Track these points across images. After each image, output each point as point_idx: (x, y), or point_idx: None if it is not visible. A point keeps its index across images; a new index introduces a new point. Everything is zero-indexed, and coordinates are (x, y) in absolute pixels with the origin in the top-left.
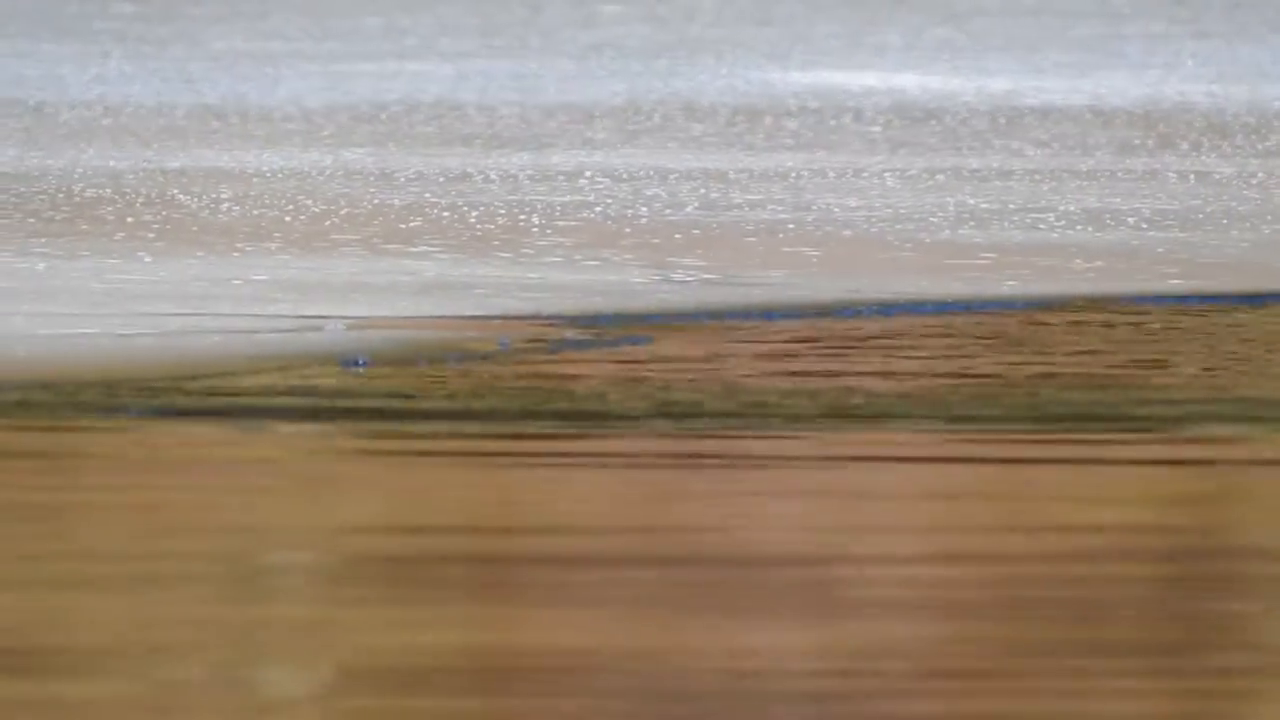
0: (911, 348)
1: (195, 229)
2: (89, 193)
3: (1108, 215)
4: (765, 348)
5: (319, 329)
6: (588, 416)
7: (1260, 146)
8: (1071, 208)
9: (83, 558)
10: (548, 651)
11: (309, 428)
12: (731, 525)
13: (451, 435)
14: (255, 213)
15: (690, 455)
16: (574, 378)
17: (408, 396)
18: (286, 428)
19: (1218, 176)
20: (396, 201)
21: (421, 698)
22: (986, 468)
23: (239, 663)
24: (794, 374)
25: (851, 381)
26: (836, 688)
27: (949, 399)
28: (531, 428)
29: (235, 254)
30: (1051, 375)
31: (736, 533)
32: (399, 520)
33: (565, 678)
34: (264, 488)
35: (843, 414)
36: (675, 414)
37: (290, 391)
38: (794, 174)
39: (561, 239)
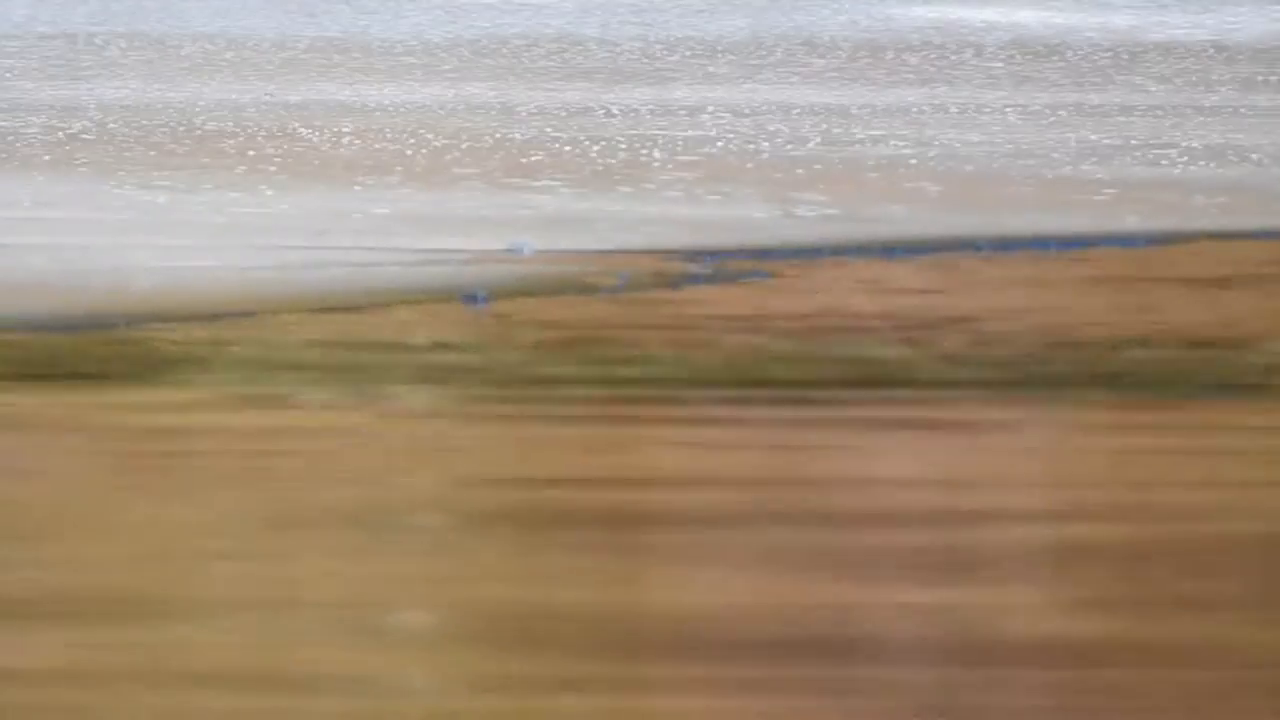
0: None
1: (316, 163)
2: (210, 126)
3: (1230, 151)
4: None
5: (443, 261)
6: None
7: None
8: (1194, 144)
9: (209, 521)
10: (677, 613)
11: (433, 391)
12: (864, 482)
13: (581, 400)
14: (376, 147)
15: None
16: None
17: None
18: (406, 391)
19: None
20: (518, 136)
21: (548, 653)
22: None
23: (365, 611)
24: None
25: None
26: (961, 643)
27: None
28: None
29: (356, 188)
30: None
31: (870, 490)
32: (528, 475)
33: (695, 639)
34: (389, 445)
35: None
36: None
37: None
38: (915, 109)
39: (683, 174)
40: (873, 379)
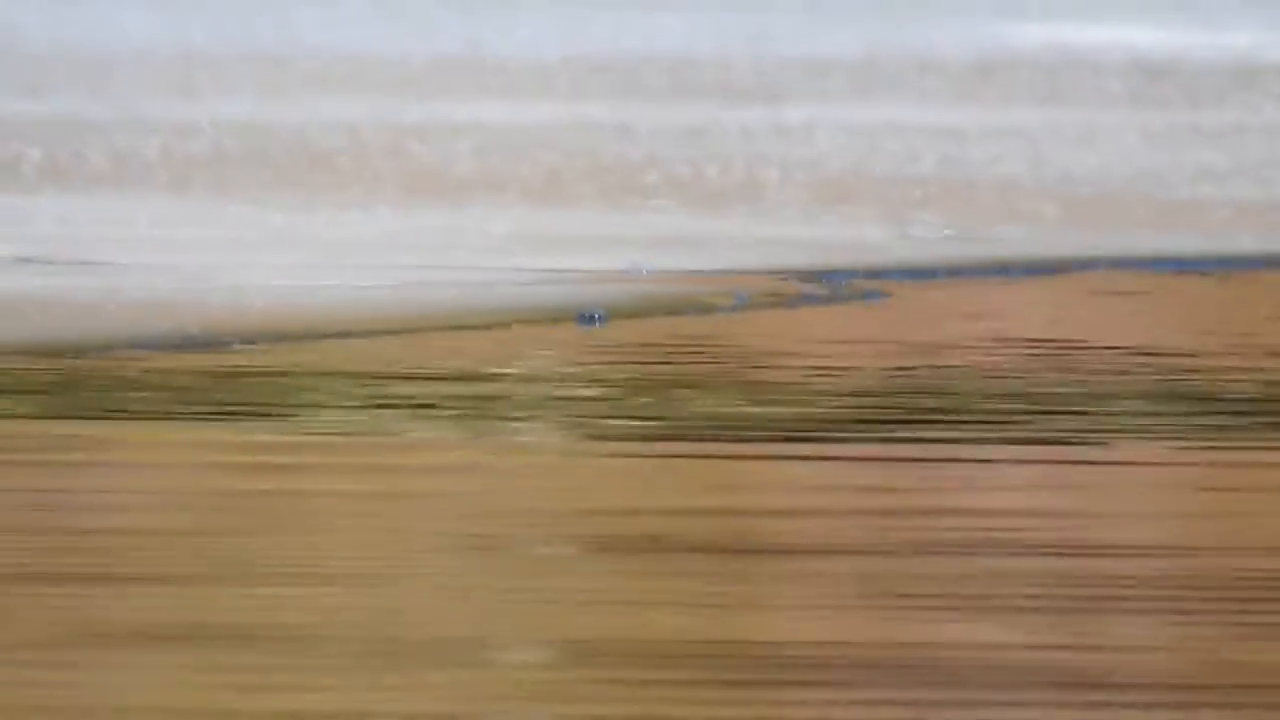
0: None
1: (432, 181)
2: (326, 144)
3: None
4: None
5: (559, 281)
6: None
7: None
8: None
9: (327, 550)
10: (790, 640)
11: (550, 422)
12: (979, 515)
13: (698, 430)
14: (492, 165)
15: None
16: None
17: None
18: (523, 423)
19: None
20: (634, 155)
21: (661, 674)
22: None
23: (477, 635)
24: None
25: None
26: (1085, 674)
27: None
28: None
29: (472, 206)
30: None
31: (982, 522)
32: (641, 504)
33: (812, 666)
34: (505, 480)
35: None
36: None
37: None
38: (1031, 129)
39: (798, 193)
40: (994, 409)
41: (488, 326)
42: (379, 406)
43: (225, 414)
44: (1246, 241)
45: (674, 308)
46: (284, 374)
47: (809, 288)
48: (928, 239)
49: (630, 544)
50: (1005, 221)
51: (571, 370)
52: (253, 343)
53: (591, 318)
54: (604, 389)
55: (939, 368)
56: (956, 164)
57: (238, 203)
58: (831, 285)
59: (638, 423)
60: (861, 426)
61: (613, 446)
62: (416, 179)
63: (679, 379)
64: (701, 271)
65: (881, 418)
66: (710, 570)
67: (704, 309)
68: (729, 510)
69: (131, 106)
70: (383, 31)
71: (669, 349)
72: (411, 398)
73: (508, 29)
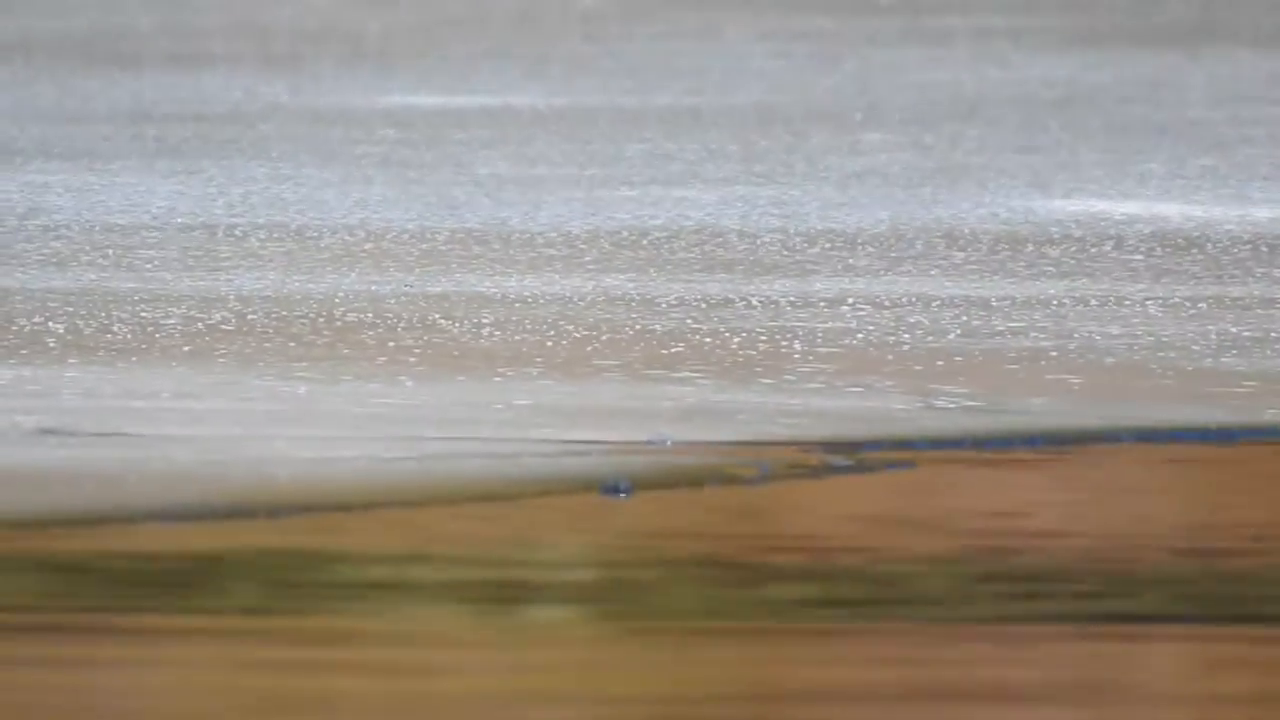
0: None
1: (457, 354)
2: (350, 317)
3: None
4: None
5: (583, 453)
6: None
7: None
8: None
9: None
10: None
11: (577, 611)
12: None
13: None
14: (517, 338)
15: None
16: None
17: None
18: (538, 612)
19: None
20: (658, 327)
21: None
22: None
23: None
24: None
25: None
26: None
27: None
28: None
29: (497, 379)
30: None
31: None
32: (670, 693)
33: None
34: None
35: None
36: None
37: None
38: (1056, 301)
39: (823, 365)
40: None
41: (512, 498)
42: (397, 595)
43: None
44: (1273, 414)
45: (699, 478)
46: (300, 558)
47: (834, 458)
48: (952, 410)
49: None
50: (1031, 393)
51: (595, 553)
52: (276, 515)
53: (616, 489)
54: (629, 572)
55: (971, 550)
56: (982, 336)
57: (261, 375)
58: (856, 456)
59: (663, 609)
60: (895, 613)
61: (639, 634)
62: (441, 352)
63: (705, 561)
64: (726, 443)
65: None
66: None
67: (728, 480)
68: (761, 697)
69: (156, 278)
70: (408, 209)
71: (694, 530)
72: (432, 585)
73: (533, 206)
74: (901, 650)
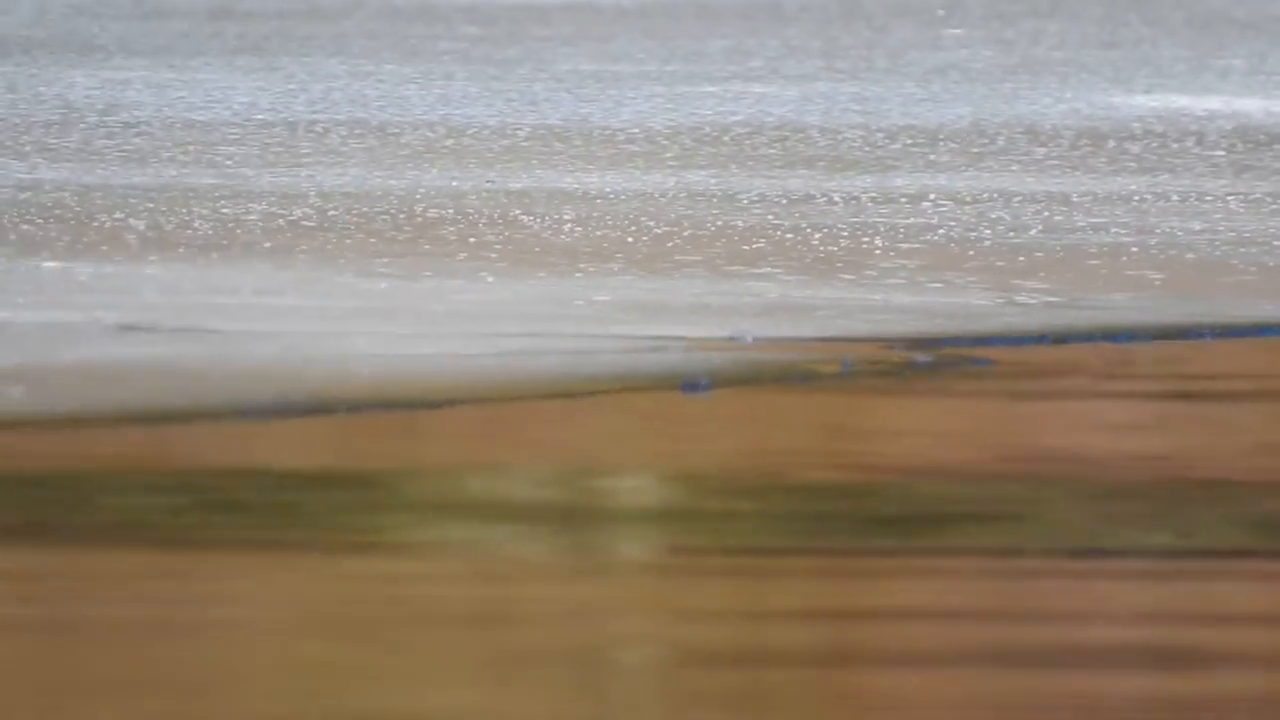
0: None
1: (538, 250)
2: (431, 213)
3: None
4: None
5: (664, 349)
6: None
7: None
8: None
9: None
10: None
11: (656, 536)
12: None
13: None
14: (598, 234)
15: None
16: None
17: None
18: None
19: None
20: (740, 223)
21: None
22: None
23: None
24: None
25: None
26: None
27: None
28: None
29: (578, 275)
30: None
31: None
32: (744, 613)
33: None
34: (607, 601)
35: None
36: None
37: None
38: (1137, 197)
39: (904, 261)
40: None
41: (592, 394)
42: (469, 517)
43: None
44: None
45: (780, 375)
46: (370, 482)
47: (915, 355)
48: (1033, 305)
49: (734, 657)
50: (1112, 289)
51: (675, 464)
52: (358, 410)
53: (696, 385)
54: (706, 492)
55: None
56: (1063, 232)
57: (342, 271)
58: (937, 352)
59: (740, 529)
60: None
61: (713, 554)
62: (522, 248)
63: (786, 474)
64: (807, 339)
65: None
66: (817, 685)
67: (810, 376)
68: (838, 615)
69: (236, 175)
70: (489, 105)
71: (776, 437)
72: (506, 505)
73: (615, 102)
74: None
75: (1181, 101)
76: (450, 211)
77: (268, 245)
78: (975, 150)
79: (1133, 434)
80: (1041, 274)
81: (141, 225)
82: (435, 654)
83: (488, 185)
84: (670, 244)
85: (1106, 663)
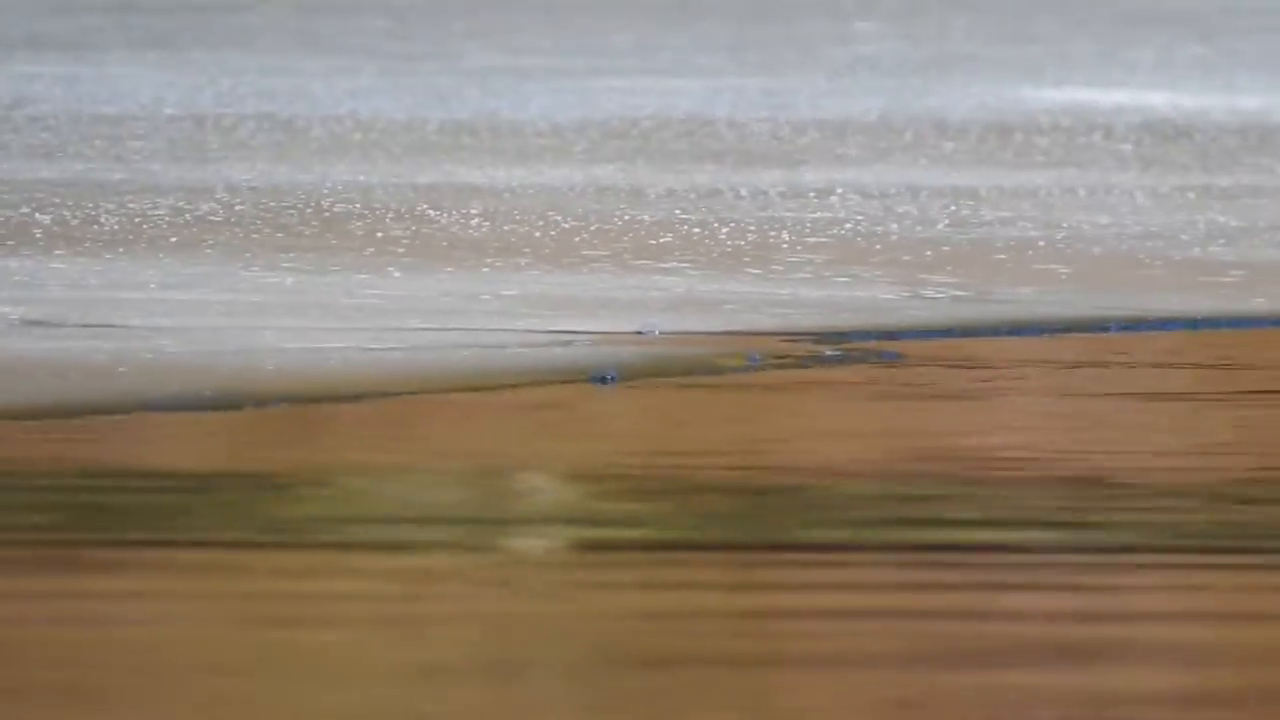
0: None
1: (445, 244)
2: (339, 208)
3: None
4: None
5: (571, 343)
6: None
7: None
8: None
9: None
10: None
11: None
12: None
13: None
14: (505, 228)
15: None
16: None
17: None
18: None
19: None
20: (647, 217)
21: None
22: None
23: None
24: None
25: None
26: None
27: None
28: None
29: (485, 269)
30: None
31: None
32: (652, 612)
33: None
34: (510, 585)
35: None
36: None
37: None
38: (1044, 191)
39: (812, 255)
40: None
41: (499, 388)
42: (375, 519)
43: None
44: (1260, 302)
45: (687, 369)
46: (279, 482)
47: (821, 349)
48: (940, 299)
49: (642, 659)
50: (1018, 283)
51: (578, 465)
52: (264, 405)
53: (604, 378)
54: (613, 493)
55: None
56: (970, 226)
57: (249, 266)
58: (844, 346)
59: (648, 530)
60: (885, 526)
61: (614, 552)
62: (429, 243)
63: (692, 473)
64: (714, 333)
65: (907, 516)
66: (728, 684)
67: (716, 370)
68: (747, 614)
69: (144, 170)
70: (397, 100)
71: (682, 437)
72: (413, 507)
73: (522, 97)
74: (900, 575)
75: (1089, 96)
76: (357, 206)
77: (174, 240)
78: (883, 144)
79: (1038, 431)
80: (949, 268)
81: (47, 220)
82: (339, 662)
83: (395, 179)
84: (577, 238)
85: (1015, 660)
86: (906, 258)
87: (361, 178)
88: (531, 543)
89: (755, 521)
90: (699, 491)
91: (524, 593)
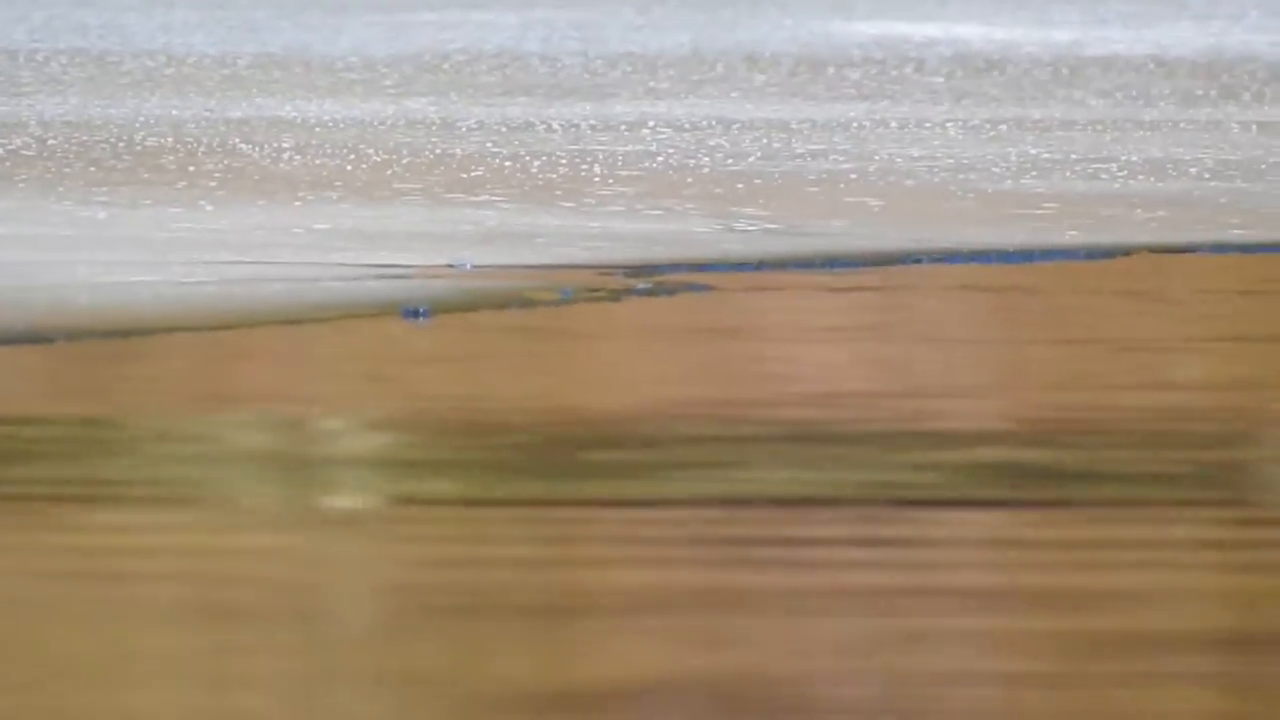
0: None
1: (257, 178)
2: (151, 142)
3: (1170, 165)
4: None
5: (384, 276)
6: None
7: None
8: (1134, 158)
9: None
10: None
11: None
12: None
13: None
14: (317, 162)
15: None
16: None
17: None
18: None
19: None
20: (459, 151)
21: None
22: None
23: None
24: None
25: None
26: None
27: None
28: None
29: (297, 203)
30: None
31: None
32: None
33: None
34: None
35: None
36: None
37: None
38: (856, 124)
39: (624, 189)
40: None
41: (313, 321)
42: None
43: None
44: (1073, 235)
45: (499, 302)
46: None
47: (634, 281)
48: (752, 232)
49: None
50: (831, 216)
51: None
52: (76, 339)
53: (416, 313)
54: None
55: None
56: (782, 159)
57: (61, 200)
58: (655, 279)
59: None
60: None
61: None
62: (241, 177)
63: (501, 419)
64: (526, 266)
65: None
66: (533, 632)
67: (528, 304)
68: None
69: None
70: (210, 34)
71: (491, 381)
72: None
73: (334, 30)
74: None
75: (901, 29)
76: (170, 140)
77: None
78: (695, 78)
79: (848, 371)
80: (760, 201)
81: None
82: (141, 613)
83: (207, 114)
84: (389, 172)
85: (820, 609)
86: (718, 191)
87: (174, 112)
88: (336, 491)
89: (555, 471)
90: (504, 438)
91: (328, 541)
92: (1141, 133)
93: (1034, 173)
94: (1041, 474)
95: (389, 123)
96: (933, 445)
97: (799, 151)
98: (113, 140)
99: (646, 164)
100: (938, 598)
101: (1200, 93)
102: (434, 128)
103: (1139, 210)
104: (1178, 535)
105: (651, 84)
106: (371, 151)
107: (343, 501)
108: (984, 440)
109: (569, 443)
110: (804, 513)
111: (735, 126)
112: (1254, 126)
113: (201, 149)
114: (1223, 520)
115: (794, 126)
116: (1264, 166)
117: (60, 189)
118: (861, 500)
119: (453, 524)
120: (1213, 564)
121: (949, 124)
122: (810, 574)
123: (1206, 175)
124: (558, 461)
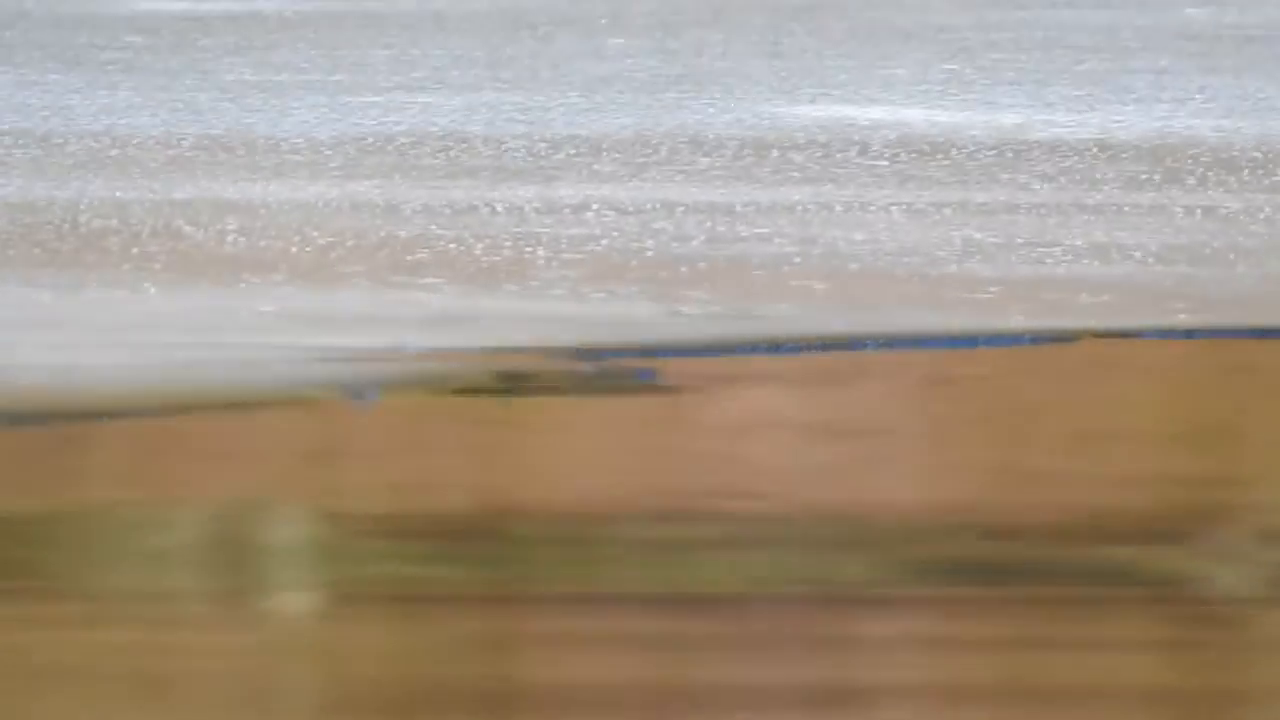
0: None
1: (201, 260)
2: (95, 223)
3: (1114, 249)
4: None
5: (328, 359)
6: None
7: (1267, 181)
8: (1078, 242)
9: None
10: None
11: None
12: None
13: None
14: (261, 244)
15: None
16: None
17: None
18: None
19: (1224, 211)
20: (403, 234)
21: None
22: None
23: None
24: None
25: None
26: None
27: None
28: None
29: (241, 285)
30: None
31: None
32: (403, 666)
33: None
34: (267, 650)
35: None
36: None
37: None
38: (800, 207)
39: (568, 272)
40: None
41: (257, 405)
42: (122, 559)
43: None
44: (1018, 319)
45: (442, 386)
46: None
47: (578, 364)
48: (697, 316)
49: (389, 705)
50: (776, 299)
51: (329, 500)
52: (20, 423)
53: (362, 396)
54: (363, 531)
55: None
56: (726, 242)
57: (5, 282)
58: (600, 363)
59: (399, 570)
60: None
61: (362, 604)
62: (185, 259)
63: (445, 509)
64: (470, 349)
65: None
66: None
67: (471, 389)
68: (495, 657)
69: None
70: (154, 115)
71: (434, 467)
72: (161, 547)
73: (279, 112)
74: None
75: (845, 111)
76: (114, 222)
77: None
78: (639, 160)
79: (790, 461)
80: (706, 285)
81: None
82: (87, 712)
83: (151, 195)
84: (334, 254)
85: (761, 704)
86: (663, 274)
87: (118, 194)
88: (275, 582)
89: (503, 565)
90: (448, 529)
91: (269, 638)
92: (1086, 217)
93: (978, 256)
94: (980, 568)
95: (334, 205)
96: (874, 540)
97: (744, 235)
98: (57, 222)
99: (591, 247)
100: (876, 694)
101: (1144, 176)
102: (378, 210)
103: (1084, 295)
104: (1118, 632)
105: (596, 166)
106: (316, 234)
107: (282, 592)
108: (924, 535)
109: (510, 534)
110: (743, 608)
111: (680, 209)
112: (1198, 211)
113: (146, 231)
114: (1166, 616)
115: (739, 210)
116: (1209, 251)
117: (4, 270)
118: (798, 597)
119: (395, 618)
120: (1152, 662)
121: (893, 207)
122: (749, 669)
123: (1151, 259)
124: (499, 553)
